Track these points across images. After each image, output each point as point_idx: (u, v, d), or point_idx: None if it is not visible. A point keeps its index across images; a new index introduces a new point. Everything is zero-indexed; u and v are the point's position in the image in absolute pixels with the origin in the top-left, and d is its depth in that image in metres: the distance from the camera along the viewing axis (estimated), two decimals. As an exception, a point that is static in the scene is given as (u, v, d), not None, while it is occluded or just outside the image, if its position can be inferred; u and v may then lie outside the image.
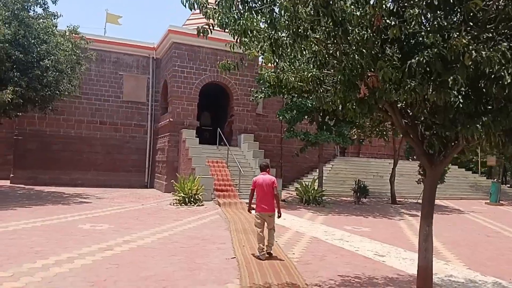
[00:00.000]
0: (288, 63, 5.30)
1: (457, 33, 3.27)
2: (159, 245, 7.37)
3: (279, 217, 7.09)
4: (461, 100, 3.51)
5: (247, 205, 7.55)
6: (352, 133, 16.54)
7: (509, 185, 33.08)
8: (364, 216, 13.32)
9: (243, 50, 5.04)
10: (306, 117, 16.58)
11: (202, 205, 13.46)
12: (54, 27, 13.51)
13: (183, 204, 13.19)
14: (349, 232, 9.86)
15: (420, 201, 20.43)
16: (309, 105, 14.29)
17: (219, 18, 4.40)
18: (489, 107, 3.49)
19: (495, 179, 25.83)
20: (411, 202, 20.34)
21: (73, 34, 14.48)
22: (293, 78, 5.40)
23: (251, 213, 7.45)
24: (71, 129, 19.46)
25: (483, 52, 3.08)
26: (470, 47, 3.14)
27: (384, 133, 18.33)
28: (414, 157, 25.94)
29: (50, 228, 8.52)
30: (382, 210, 15.50)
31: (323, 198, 15.63)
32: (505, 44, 3.11)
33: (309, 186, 15.35)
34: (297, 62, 5.38)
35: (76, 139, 19.47)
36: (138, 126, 20.60)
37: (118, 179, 19.85)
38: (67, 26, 14.42)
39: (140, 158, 20.43)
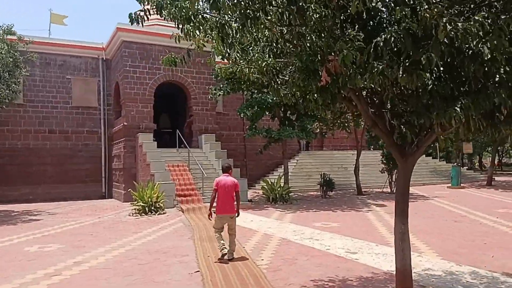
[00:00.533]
0: (240, 53, 4.73)
1: (427, 5, 2.82)
2: (114, 264, 6.62)
3: (237, 216, 7.03)
4: (435, 83, 3.09)
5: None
6: (315, 127, 16.28)
7: (467, 168, 34.36)
8: (332, 210, 13.04)
9: (187, 40, 4.41)
10: (267, 113, 16.13)
11: (164, 213, 12.69)
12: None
13: (143, 214, 12.35)
14: (318, 230, 9.48)
15: (385, 190, 20.68)
16: (270, 100, 13.83)
17: (154, -1, 3.76)
18: (467, 88, 3.08)
19: (455, 163, 26.59)
20: (377, 191, 20.44)
21: (7, 35, 13.16)
22: (247, 70, 4.85)
23: (210, 219, 7.22)
24: (17, 140, 17.97)
25: (459, 24, 2.65)
26: (444, 19, 2.70)
27: (346, 124, 18.25)
28: (377, 146, 26.32)
29: (-13, 254, 7.52)
30: (349, 202, 15.34)
31: (290, 195, 15.26)
32: (483, 13, 2.69)
33: (275, 184, 14.92)
34: (250, 51, 4.82)
35: (23, 151, 18.02)
36: (90, 132, 19.37)
37: (72, 191, 18.58)
38: (0, 26, 13.08)
39: (95, 167, 19.23)
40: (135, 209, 12.68)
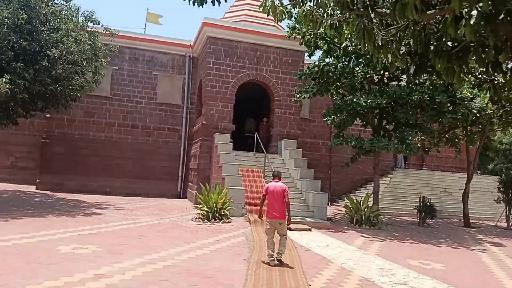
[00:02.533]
0: None
1: None
2: (136, 284, 5.19)
3: (288, 224, 7.30)
4: None
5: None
6: (416, 140, 13.55)
7: None
8: (433, 245, 10.33)
9: None
10: (358, 119, 13.86)
11: (229, 221, 11.23)
12: (67, 12, 12.01)
13: (206, 220, 11.03)
14: (415, 271, 7.09)
15: (500, 223, 16.80)
16: (363, 103, 11.61)
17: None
18: None
19: None
20: (488, 225, 16.73)
21: (89, 23, 12.98)
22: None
23: (261, 219, 7.64)
24: (101, 132, 18.21)
25: None
26: None
27: (456, 140, 15.15)
28: (486, 170, 22.21)
29: (19, 249, 6.68)
30: (455, 236, 12.32)
31: (379, 218, 12.75)
32: None
33: (361, 203, 12.56)
34: None
35: (106, 143, 18.18)
36: (172, 130, 18.94)
37: (148, 188, 18.25)
38: (81, 13, 12.96)
39: (173, 165, 18.70)
40: (198, 213, 11.44)
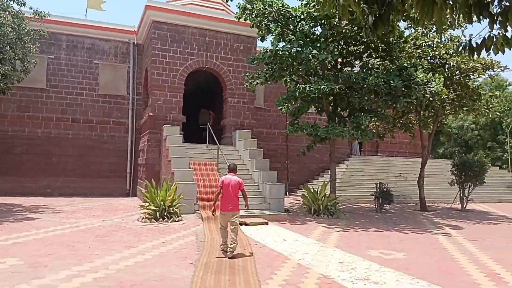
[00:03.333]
0: None
1: None
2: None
3: (247, 208, 7.69)
4: None
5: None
6: (371, 127, 13.28)
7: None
8: (392, 231, 10.04)
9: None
10: (312, 106, 13.36)
11: (179, 220, 10.34)
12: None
13: (153, 220, 10.08)
14: (376, 263, 6.62)
15: (454, 206, 17.11)
16: (316, 90, 11.06)
17: None
18: None
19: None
20: (443, 207, 16.95)
21: (13, 3, 11.45)
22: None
23: (214, 215, 7.62)
24: (37, 128, 16.57)
25: None
26: None
27: (410, 125, 15.10)
28: (437, 154, 22.79)
29: None
30: (413, 221, 12.20)
31: (336, 206, 12.37)
32: None
33: (318, 192, 12.10)
34: None
35: (43, 140, 16.58)
36: (117, 123, 17.62)
37: (94, 187, 16.90)
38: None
39: (120, 162, 17.43)
40: (145, 213, 10.46)
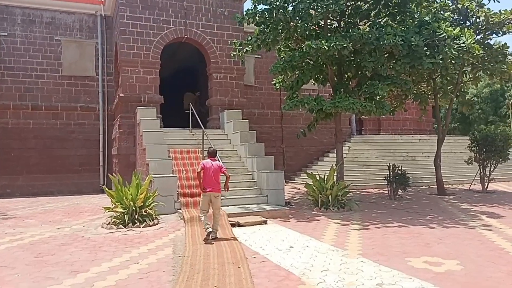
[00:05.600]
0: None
1: None
2: None
3: (226, 190, 7.34)
4: None
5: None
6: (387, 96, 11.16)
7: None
8: (422, 225, 8.03)
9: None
10: (313, 76, 11.15)
11: (154, 224, 8.18)
12: None
13: (121, 226, 7.89)
14: (430, 282, 4.58)
15: (474, 187, 15.19)
16: (325, 47, 8.81)
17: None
18: None
19: None
20: (460, 189, 15.05)
21: None
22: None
23: (205, 191, 7.03)
24: (-9, 118, 14.16)
25: None
26: None
27: (426, 95, 13.00)
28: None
29: None
30: (437, 208, 10.24)
31: (347, 195, 10.33)
32: None
33: (325, 180, 9.99)
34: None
35: (-1, 132, 14.19)
36: (86, 109, 15.25)
37: (62, 183, 14.63)
38: None
39: (92, 153, 15.13)
40: (111, 217, 8.27)
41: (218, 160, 7.60)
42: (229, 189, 9.90)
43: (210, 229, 6.75)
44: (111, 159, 15.09)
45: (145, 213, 8.14)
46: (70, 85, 15.08)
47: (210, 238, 6.69)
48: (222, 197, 9.72)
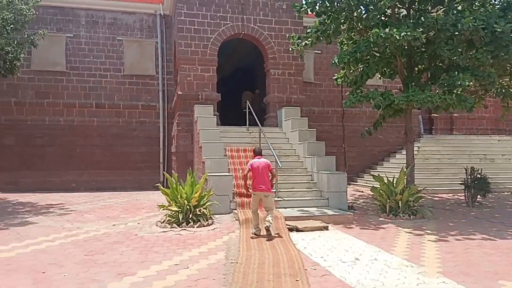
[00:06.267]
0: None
1: None
2: None
3: (273, 191, 7.84)
4: None
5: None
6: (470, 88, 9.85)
7: None
8: (509, 238, 6.85)
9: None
10: (380, 70, 10.17)
11: (209, 224, 7.81)
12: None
13: (174, 225, 7.62)
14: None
15: None
16: (396, 36, 7.89)
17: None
18: None
19: None
20: (551, 197, 13.16)
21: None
22: None
23: (249, 192, 7.28)
24: (59, 116, 14.82)
25: None
26: None
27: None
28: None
29: None
30: (529, 220, 8.82)
31: (419, 201, 9.25)
32: None
33: (394, 184, 9.02)
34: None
35: (66, 129, 14.82)
36: (147, 107, 15.48)
37: (123, 180, 14.97)
38: None
39: (152, 150, 15.32)
40: (166, 215, 8.04)
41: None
42: (287, 190, 9.42)
43: (259, 231, 6.85)
44: (170, 156, 15.16)
45: (199, 213, 7.80)
46: (131, 84, 15.39)
47: (259, 234, 6.83)
48: (280, 199, 9.23)
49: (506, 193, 13.89)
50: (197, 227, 7.55)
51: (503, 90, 11.12)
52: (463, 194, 11.40)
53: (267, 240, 6.54)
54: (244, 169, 9.71)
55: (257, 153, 7.37)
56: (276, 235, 6.78)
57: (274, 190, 9.29)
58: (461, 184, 11.18)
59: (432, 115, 19.52)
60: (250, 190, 7.12)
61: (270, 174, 7.03)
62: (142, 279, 4.70)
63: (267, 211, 6.94)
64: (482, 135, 19.38)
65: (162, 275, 4.84)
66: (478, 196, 11.17)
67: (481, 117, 20.18)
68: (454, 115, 19.55)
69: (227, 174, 9.26)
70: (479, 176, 10.86)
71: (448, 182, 14.29)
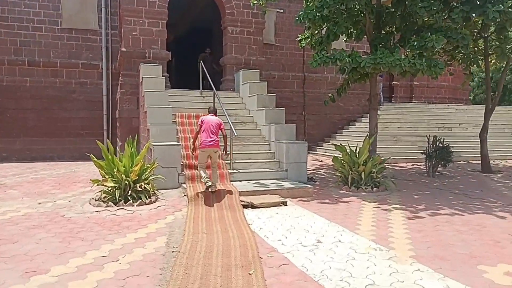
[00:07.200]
0: None
1: None
2: None
3: (226, 155, 7.49)
4: None
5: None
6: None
7: None
8: (476, 212, 6.44)
9: None
10: (347, 31, 9.29)
11: (152, 201, 6.80)
12: None
13: (110, 203, 6.55)
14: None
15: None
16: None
17: None
18: None
19: None
20: (506, 166, 13.30)
21: None
22: None
23: (194, 153, 7.40)
24: (-16, 75, 12.87)
25: None
26: None
27: (477, 56, 11.05)
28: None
29: None
30: (489, 190, 8.61)
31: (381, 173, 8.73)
32: None
33: (357, 154, 8.38)
34: None
35: (-7, 90, 12.94)
36: (88, 66, 13.78)
37: (63, 148, 13.47)
38: None
39: (95, 116, 13.81)
40: (102, 191, 6.93)
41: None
42: (243, 161, 8.56)
43: (210, 183, 6.80)
44: (115, 123, 13.75)
45: (140, 189, 6.76)
46: (70, 39, 13.58)
47: (210, 191, 6.83)
48: (234, 171, 8.37)
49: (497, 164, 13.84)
50: (137, 205, 6.53)
51: (470, 56, 10.72)
52: (424, 164, 11.11)
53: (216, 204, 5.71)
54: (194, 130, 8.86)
55: (211, 111, 7.25)
56: (227, 192, 6.89)
57: (228, 161, 8.41)
58: (422, 153, 10.82)
59: (393, 82, 19.20)
60: (198, 151, 7.00)
61: (221, 134, 6.96)
62: (55, 279, 3.69)
63: (212, 167, 7.05)
64: (440, 103, 19.40)
65: (83, 272, 3.85)
66: (439, 166, 10.91)
67: (440, 86, 20.17)
68: (414, 83, 19.38)
69: (175, 143, 8.20)
70: (441, 146, 10.52)
71: (407, 151, 14.10)
